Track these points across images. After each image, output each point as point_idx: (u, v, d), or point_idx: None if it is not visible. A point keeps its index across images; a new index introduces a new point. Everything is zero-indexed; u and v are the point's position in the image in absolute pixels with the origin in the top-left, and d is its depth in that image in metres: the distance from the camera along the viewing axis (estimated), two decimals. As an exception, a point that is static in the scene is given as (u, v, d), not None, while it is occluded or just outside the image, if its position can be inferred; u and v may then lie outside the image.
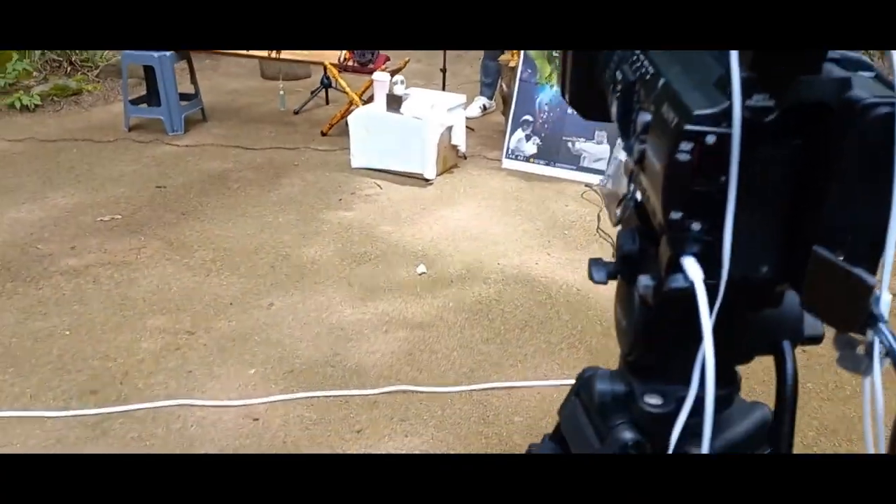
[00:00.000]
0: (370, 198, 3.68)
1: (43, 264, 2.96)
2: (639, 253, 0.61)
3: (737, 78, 0.46)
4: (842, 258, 0.44)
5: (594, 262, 0.65)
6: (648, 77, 0.55)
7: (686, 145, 0.47)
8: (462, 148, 4.09)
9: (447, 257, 3.08)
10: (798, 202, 0.48)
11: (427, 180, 3.83)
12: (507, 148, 4.07)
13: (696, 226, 0.49)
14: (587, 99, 0.70)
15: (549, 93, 3.96)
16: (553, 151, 3.95)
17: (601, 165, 3.84)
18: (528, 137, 4.00)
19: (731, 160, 0.46)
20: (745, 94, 0.46)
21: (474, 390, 2.25)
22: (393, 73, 4.03)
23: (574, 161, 3.91)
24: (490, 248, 3.16)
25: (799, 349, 0.65)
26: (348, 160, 4.06)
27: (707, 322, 0.50)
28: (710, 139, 0.46)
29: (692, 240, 0.50)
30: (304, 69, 5.95)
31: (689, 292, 0.50)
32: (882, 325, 0.42)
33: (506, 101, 4.49)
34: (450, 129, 3.92)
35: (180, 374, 2.31)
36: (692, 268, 0.50)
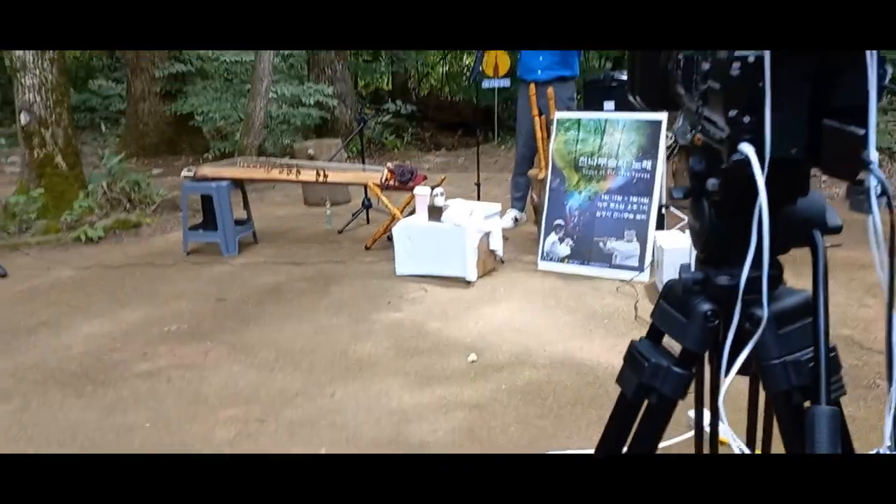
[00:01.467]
0: (416, 300, 3.89)
1: (118, 369, 3.17)
2: (705, 169, 0.83)
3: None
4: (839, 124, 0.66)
5: (674, 188, 0.88)
6: None
7: (736, 64, 0.70)
8: (499, 252, 4.34)
9: (495, 347, 3.24)
10: (815, 96, 0.72)
11: (469, 282, 4.05)
12: (542, 250, 4.31)
13: (746, 119, 0.73)
14: (652, 91, 0.94)
15: (578, 198, 4.25)
16: (585, 252, 4.18)
17: (633, 262, 4.05)
18: (560, 240, 4.25)
19: (764, 71, 0.70)
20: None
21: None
22: (432, 188, 4.36)
23: (606, 259, 4.12)
24: (535, 337, 3.33)
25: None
26: (393, 268, 4.31)
27: (760, 179, 0.71)
28: (751, 58, 0.70)
29: (745, 130, 0.73)
30: (343, 194, 6.38)
31: (746, 162, 0.72)
32: (873, 166, 0.62)
33: (537, 211, 4.78)
34: (487, 234, 4.19)
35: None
36: (747, 146, 0.73)
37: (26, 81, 5.72)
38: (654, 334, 1.10)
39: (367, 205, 5.53)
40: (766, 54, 0.71)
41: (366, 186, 5.58)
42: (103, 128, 10.88)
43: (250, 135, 7.27)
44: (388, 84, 15.89)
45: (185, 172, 5.00)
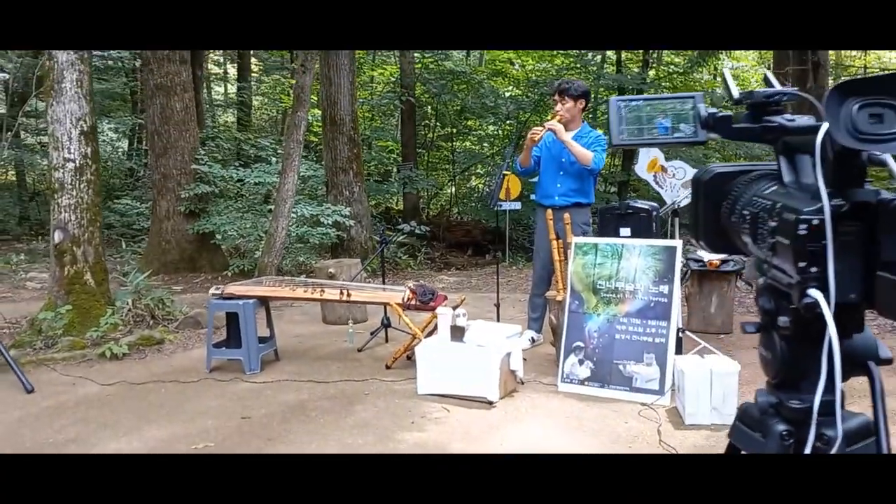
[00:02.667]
0: (439, 420, 3.93)
1: (148, 487, 3.18)
2: (774, 308, 0.97)
3: (824, 191, 0.85)
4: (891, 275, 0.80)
5: (746, 324, 1.02)
6: (768, 205, 0.96)
7: (803, 226, 0.85)
8: (520, 373, 4.42)
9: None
10: (867, 252, 0.86)
11: (491, 403, 4.10)
12: (562, 372, 4.38)
13: (813, 269, 0.87)
14: (715, 238, 1.09)
15: (597, 321, 4.36)
16: (605, 374, 4.25)
17: (653, 385, 4.11)
18: (580, 362, 4.33)
19: (826, 231, 0.84)
20: (830, 198, 0.85)
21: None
22: (454, 308, 4.49)
23: (626, 382, 4.19)
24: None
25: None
26: (414, 388, 4.38)
27: (829, 318, 0.85)
28: (815, 221, 0.84)
29: (812, 277, 0.87)
30: (361, 313, 6.51)
31: (816, 305, 0.85)
32: None
33: (555, 332, 4.89)
34: (508, 355, 4.28)
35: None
36: (816, 292, 0.86)
37: (63, 201, 5.99)
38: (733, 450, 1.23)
39: (385, 324, 5.65)
40: (827, 216, 0.86)
41: (385, 306, 5.72)
42: (122, 244, 11.20)
43: (271, 254, 7.50)
44: (398, 204, 16.41)
45: (213, 290, 5.16)
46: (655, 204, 4.97)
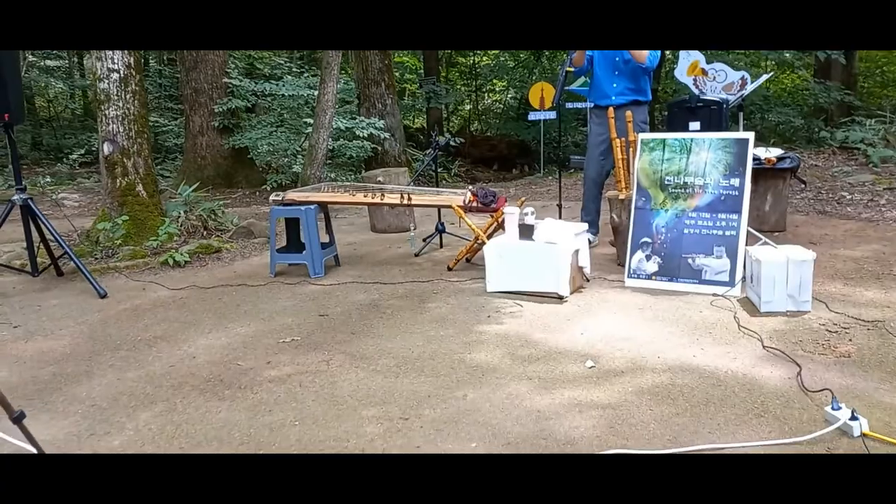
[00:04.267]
0: (514, 314, 4.01)
1: (249, 376, 3.29)
2: None
3: None
4: None
5: None
6: None
7: None
8: (588, 270, 4.47)
9: (608, 355, 3.34)
10: None
11: (561, 298, 4.17)
12: (629, 268, 4.43)
13: None
14: None
15: (665, 216, 4.37)
16: (674, 268, 4.29)
17: (723, 278, 4.15)
18: (648, 257, 4.37)
19: None
20: None
21: (688, 452, 2.44)
22: (521, 207, 4.51)
23: (695, 275, 4.23)
24: (645, 346, 3.43)
25: None
26: (481, 287, 4.44)
27: None
28: None
29: None
30: (410, 221, 6.54)
31: None
32: None
33: (616, 231, 4.91)
34: (576, 252, 4.32)
35: (409, 448, 2.56)
36: None
37: (110, 113, 5.96)
38: None
39: (440, 229, 5.68)
40: None
41: (439, 211, 5.75)
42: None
43: (313, 166, 7.48)
44: (415, 122, 16.23)
45: (273, 197, 5.19)
46: (726, 96, 4.89)
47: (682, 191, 4.34)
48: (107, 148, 5.99)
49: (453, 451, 2.53)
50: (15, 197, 4.85)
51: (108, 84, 5.94)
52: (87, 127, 15.00)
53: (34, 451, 2.52)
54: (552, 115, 9.45)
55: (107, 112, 5.97)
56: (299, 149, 8.62)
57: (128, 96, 5.99)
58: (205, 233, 6.22)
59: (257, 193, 8.98)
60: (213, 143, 9.17)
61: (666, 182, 4.40)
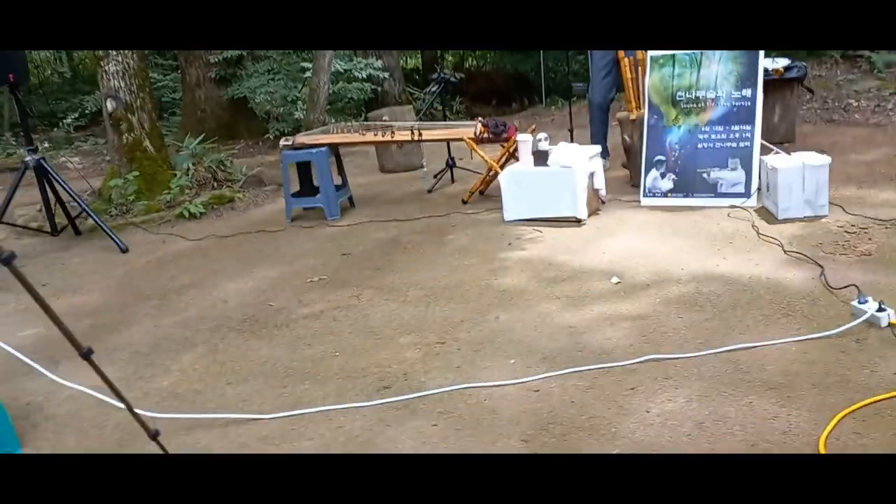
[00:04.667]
0: (535, 240, 4.06)
1: (283, 314, 3.37)
2: None
3: None
4: None
5: None
6: None
7: None
8: (603, 192, 4.49)
9: (632, 270, 3.40)
10: None
11: (579, 221, 4.20)
12: (644, 187, 4.45)
13: None
14: None
15: (678, 133, 4.38)
16: (689, 183, 4.32)
17: (739, 189, 4.18)
18: (662, 175, 4.39)
19: None
20: None
21: (719, 352, 2.52)
22: (533, 134, 4.51)
23: (711, 189, 4.26)
24: (667, 260, 3.48)
25: None
26: (498, 217, 4.48)
27: None
28: None
29: None
30: (418, 160, 6.53)
31: None
32: None
33: (629, 151, 4.92)
34: (592, 174, 4.34)
35: (450, 369, 2.64)
36: None
37: (110, 68, 5.89)
38: None
39: (450, 164, 5.68)
40: None
41: (448, 146, 5.74)
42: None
43: (315, 110, 7.43)
44: (408, 63, 15.97)
45: (283, 142, 5.18)
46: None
47: (695, 105, 4.33)
48: (110, 104, 5.95)
49: (492, 367, 2.61)
50: (28, 158, 4.85)
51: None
52: (77, 90, 14.79)
53: (92, 391, 2.61)
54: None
55: (107, 68, 5.91)
56: (298, 95, 8.53)
57: (126, 51, 5.92)
58: (215, 184, 6.23)
59: (260, 143, 8.93)
60: (212, 94, 9.08)
61: (678, 98, 4.39)
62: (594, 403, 2.31)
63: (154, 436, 1.93)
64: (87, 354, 1.76)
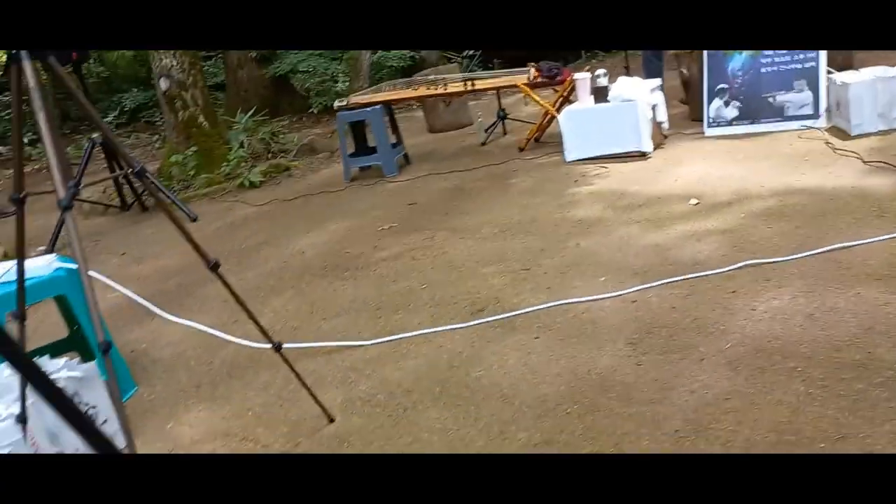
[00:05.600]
0: (601, 175, 4.03)
1: (362, 259, 3.41)
2: None
3: None
4: None
5: None
6: None
7: None
8: (666, 125, 4.43)
9: (710, 192, 3.36)
10: None
11: (645, 154, 4.16)
12: (708, 117, 4.38)
13: None
14: None
15: (739, 59, 4.29)
16: (755, 110, 4.23)
17: (807, 111, 4.09)
18: (726, 103, 4.31)
19: None
20: None
21: (817, 253, 2.48)
22: (592, 71, 4.46)
23: (778, 113, 4.17)
24: (745, 180, 3.43)
25: None
26: (559, 159, 4.45)
27: None
28: None
29: None
30: (467, 118, 6.52)
31: None
32: None
33: (687, 84, 4.84)
34: (654, 107, 4.28)
35: (541, 290, 2.65)
36: None
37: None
38: None
39: (502, 116, 5.66)
40: None
41: (499, 98, 5.71)
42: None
43: (359, 78, 7.46)
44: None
45: (337, 103, 5.22)
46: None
47: (756, 29, 4.23)
48: (163, 84, 6.05)
49: (582, 286, 2.61)
50: (95, 135, 4.96)
51: (153, 20, 5.95)
52: (114, 89, 15.03)
53: (200, 328, 2.68)
54: None
55: (157, 48, 6.00)
56: (339, 67, 8.56)
57: (173, 29, 6.00)
58: (269, 155, 6.31)
59: (304, 118, 9.00)
60: (253, 74, 9.16)
61: (737, 23, 4.29)
62: (697, 307, 2.30)
63: (278, 348, 1.98)
64: (214, 266, 1.82)
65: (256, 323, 1.92)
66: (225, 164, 5.85)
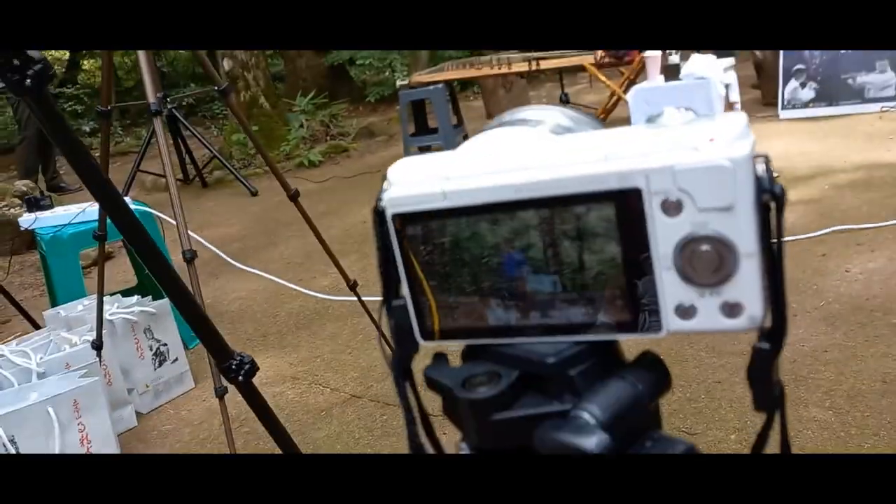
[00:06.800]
0: (671, 154, 3.91)
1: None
2: None
3: None
4: None
5: None
6: None
7: None
8: (738, 106, 4.29)
9: (789, 167, 3.23)
10: None
11: (717, 135, 4.03)
12: (783, 99, 4.23)
13: None
14: None
15: (818, 38, 4.13)
16: (833, 92, 4.07)
17: (889, 93, 3.91)
18: (803, 85, 4.16)
19: None
20: None
21: (913, 219, 2.35)
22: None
23: (857, 95, 4.00)
24: (825, 155, 3.29)
25: None
26: (626, 140, 4.35)
27: None
28: None
29: None
30: (527, 103, 6.44)
31: None
32: None
33: (760, 67, 4.69)
34: (728, 86, 4.15)
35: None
36: None
37: (225, 30, 6.06)
38: None
39: (564, 99, 5.58)
40: None
41: (561, 81, 5.64)
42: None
43: (417, 65, 7.44)
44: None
45: (399, 82, 5.20)
46: None
47: (837, 7, 4.07)
48: (227, 64, 6.13)
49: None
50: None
51: None
52: (170, 84, 15.31)
53: (269, 278, 2.67)
54: None
55: (221, 29, 6.08)
56: (397, 56, 8.58)
57: (238, 10, 6.07)
58: (328, 138, 6.33)
59: (360, 107, 9.04)
60: (312, 63, 9.24)
61: (817, 1, 4.14)
62: (787, 269, 2.18)
63: (353, 287, 1.95)
64: (294, 196, 1.80)
65: (334, 260, 1.88)
66: (285, 143, 5.89)
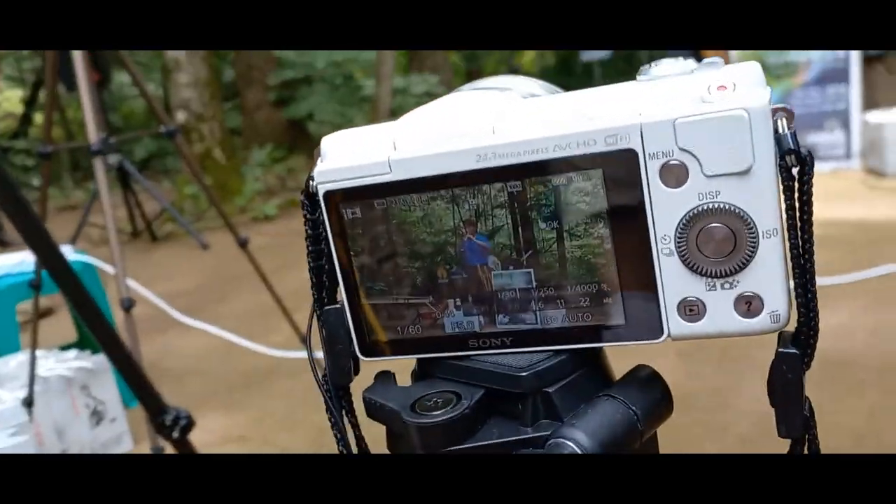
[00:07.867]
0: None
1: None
2: None
3: None
4: None
5: None
6: None
7: None
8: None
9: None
10: None
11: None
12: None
13: None
14: None
15: (772, 97, 4.26)
16: (783, 150, 4.18)
17: (838, 152, 4.03)
18: None
19: None
20: None
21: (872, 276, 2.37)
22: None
23: (807, 154, 4.11)
24: (778, 212, 3.34)
25: None
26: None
27: None
28: None
29: None
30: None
31: None
32: None
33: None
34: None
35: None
36: None
37: (181, 79, 6.02)
38: None
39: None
40: None
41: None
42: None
43: (378, 119, 7.48)
44: (461, 80, 16.11)
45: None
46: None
47: (786, 69, 4.21)
48: (181, 115, 6.05)
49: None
50: (112, 160, 4.92)
51: (176, 51, 6.00)
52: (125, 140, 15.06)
53: (220, 334, 2.55)
54: (608, 54, 9.26)
55: (177, 79, 6.03)
56: (357, 113, 8.63)
57: (196, 61, 6.05)
58: (283, 190, 6.27)
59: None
60: (271, 118, 9.22)
61: (766, 63, 4.28)
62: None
63: (304, 340, 1.85)
64: (243, 244, 1.72)
65: (287, 314, 1.80)
66: (239, 196, 5.80)
